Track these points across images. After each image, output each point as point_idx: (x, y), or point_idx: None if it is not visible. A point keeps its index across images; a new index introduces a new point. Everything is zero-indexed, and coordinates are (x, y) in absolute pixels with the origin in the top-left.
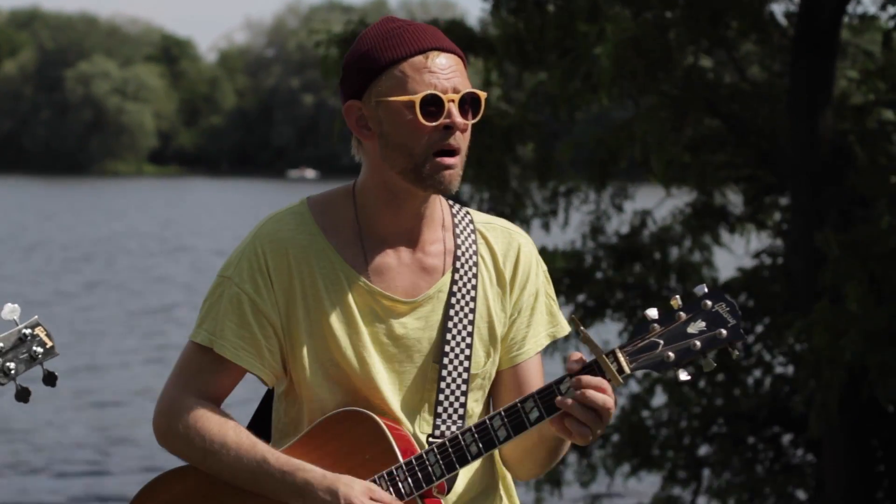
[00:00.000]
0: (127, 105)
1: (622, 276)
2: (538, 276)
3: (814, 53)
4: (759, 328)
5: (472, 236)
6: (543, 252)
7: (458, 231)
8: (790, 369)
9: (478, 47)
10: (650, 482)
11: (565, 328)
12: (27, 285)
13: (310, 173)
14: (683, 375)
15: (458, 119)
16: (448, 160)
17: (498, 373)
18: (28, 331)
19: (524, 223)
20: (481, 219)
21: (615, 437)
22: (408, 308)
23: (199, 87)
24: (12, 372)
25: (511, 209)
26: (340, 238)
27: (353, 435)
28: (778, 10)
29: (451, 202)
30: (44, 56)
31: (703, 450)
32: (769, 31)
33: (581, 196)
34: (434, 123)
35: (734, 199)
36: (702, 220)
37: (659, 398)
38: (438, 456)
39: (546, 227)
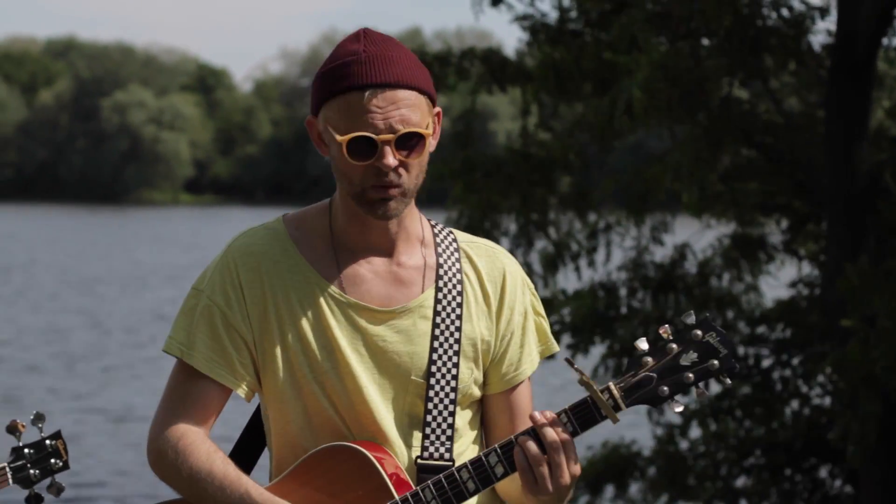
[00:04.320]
0: (163, 134)
1: (660, 310)
2: (525, 295)
3: (850, 84)
4: (796, 360)
5: (456, 254)
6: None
7: (440, 249)
8: (827, 400)
9: (515, 77)
10: None
11: (555, 345)
12: (65, 314)
13: None
14: (678, 408)
15: (390, 160)
16: (382, 194)
17: (491, 396)
18: (50, 442)
19: (572, 261)
20: (465, 238)
21: (651, 470)
22: (384, 317)
23: (234, 116)
24: (33, 480)
25: (554, 248)
26: (315, 251)
27: (343, 471)
28: (815, 40)
29: (432, 220)
30: (80, 85)
31: (741, 481)
32: (806, 62)
33: (621, 231)
34: (363, 164)
35: (772, 230)
36: (741, 250)
37: (696, 430)
38: (435, 493)
39: (591, 264)
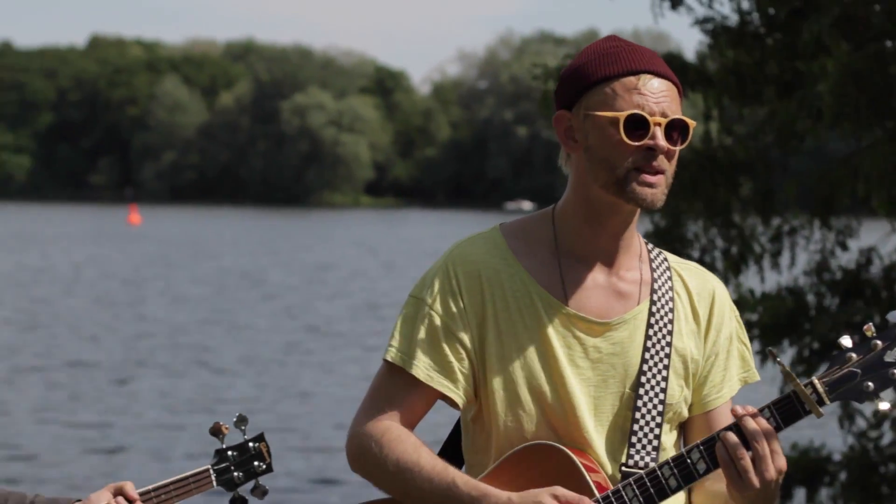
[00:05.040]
0: (342, 137)
1: (847, 315)
2: (732, 321)
3: None
4: None
5: (668, 272)
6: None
7: (654, 265)
8: None
9: (695, 80)
10: None
11: (756, 374)
12: (250, 315)
13: (526, 205)
14: (884, 405)
15: (662, 142)
16: (649, 178)
17: (691, 418)
18: (253, 444)
19: (755, 264)
20: (676, 259)
21: (842, 476)
22: (602, 329)
23: (413, 118)
24: (237, 483)
25: (738, 249)
26: (535, 260)
27: (546, 468)
28: None
29: (647, 241)
30: (260, 88)
31: None
32: None
33: (805, 234)
34: (637, 143)
35: None
36: None
37: (888, 435)
38: (637, 490)
39: (776, 266)
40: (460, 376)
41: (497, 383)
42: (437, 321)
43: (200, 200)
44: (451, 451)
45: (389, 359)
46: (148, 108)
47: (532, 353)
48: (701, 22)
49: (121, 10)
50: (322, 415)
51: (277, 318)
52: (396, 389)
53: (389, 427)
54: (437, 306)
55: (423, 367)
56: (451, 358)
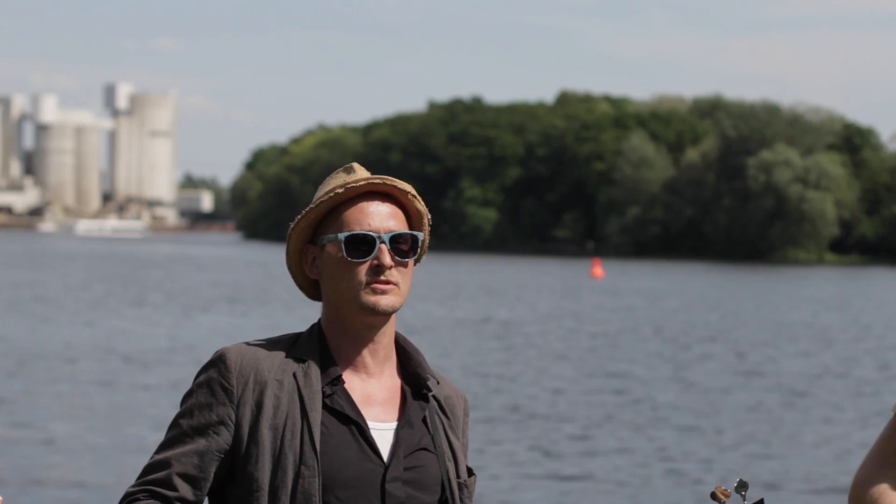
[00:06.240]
0: (808, 193)
1: None
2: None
3: None
4: None
5: None
6: None
7: None
8: None
9: None
10: None
11: None
12: (715, 375)
13: None
14: None
15: None
16: None
17: None
18: None
19: None
20: None
21: None
22: None
23: (880, 176)
24: None
25: None
26: None
27: None
28: None
29: None
30: (725, 144)
31: None
32: None
33: None
34: None
35: None
36: None
37: None
38: None
39: None
40: None
41: None
42: None
43: (663, 255)
44: None
45: None
46: (614, 163)
47: None
48: None
49: (589, 67)
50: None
51: (744, 377)
52: None
53: (885, 491)
54: None
55: None
56: None
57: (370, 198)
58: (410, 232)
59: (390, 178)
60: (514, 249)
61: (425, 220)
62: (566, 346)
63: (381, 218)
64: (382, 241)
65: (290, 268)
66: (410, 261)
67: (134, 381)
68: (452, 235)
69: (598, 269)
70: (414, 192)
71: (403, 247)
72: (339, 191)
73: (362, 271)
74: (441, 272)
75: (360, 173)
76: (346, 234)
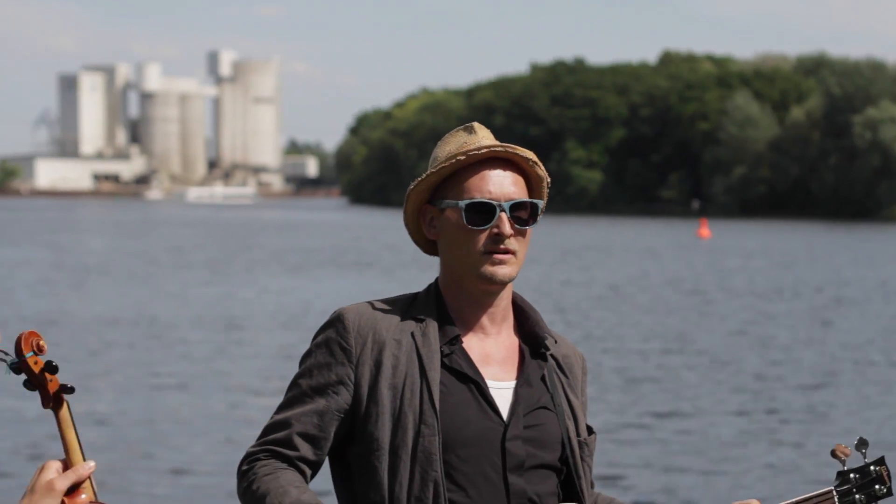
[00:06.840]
0: None
1: None
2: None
3: None
4: None
5: None
6: None
7: None
8: None
9: None
10: None
11: None
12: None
13: None
14: None
15: None
16: None
17: None
18: (875, 468)
19: None
20: None
21: None
22: None
23: None
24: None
25: None
26: None
27: None
28: None
29: None
30: (830, 102)
31: None
32: None
33: None
34: None
35: None
36: None
37: None
38: None
39: None
40: None
41: None
42: None
43: (769, 214)
44: None
45: None
46: (719, 123)
47: None
48: None
49: (692, 27)
50: None
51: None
52: None
53: None
54: None
55: None
56: None
57: (491, 164)
58: (531, 200)
59: (512, 146)
60: (620, 210)
61: (544, 185)
62: (697, 307)
63: (501, 185)
64: (503, 210)
65: (407, 226)
66: (529, 228)
67: (267, 342)
68: (558, 197)
69: (705, 229)
70: (535, 158)
71: (523, 215)
72: (461, 157)
73: (481, 239)
74: (551, 233)
75: (481, 133)
76: (467, 201)
